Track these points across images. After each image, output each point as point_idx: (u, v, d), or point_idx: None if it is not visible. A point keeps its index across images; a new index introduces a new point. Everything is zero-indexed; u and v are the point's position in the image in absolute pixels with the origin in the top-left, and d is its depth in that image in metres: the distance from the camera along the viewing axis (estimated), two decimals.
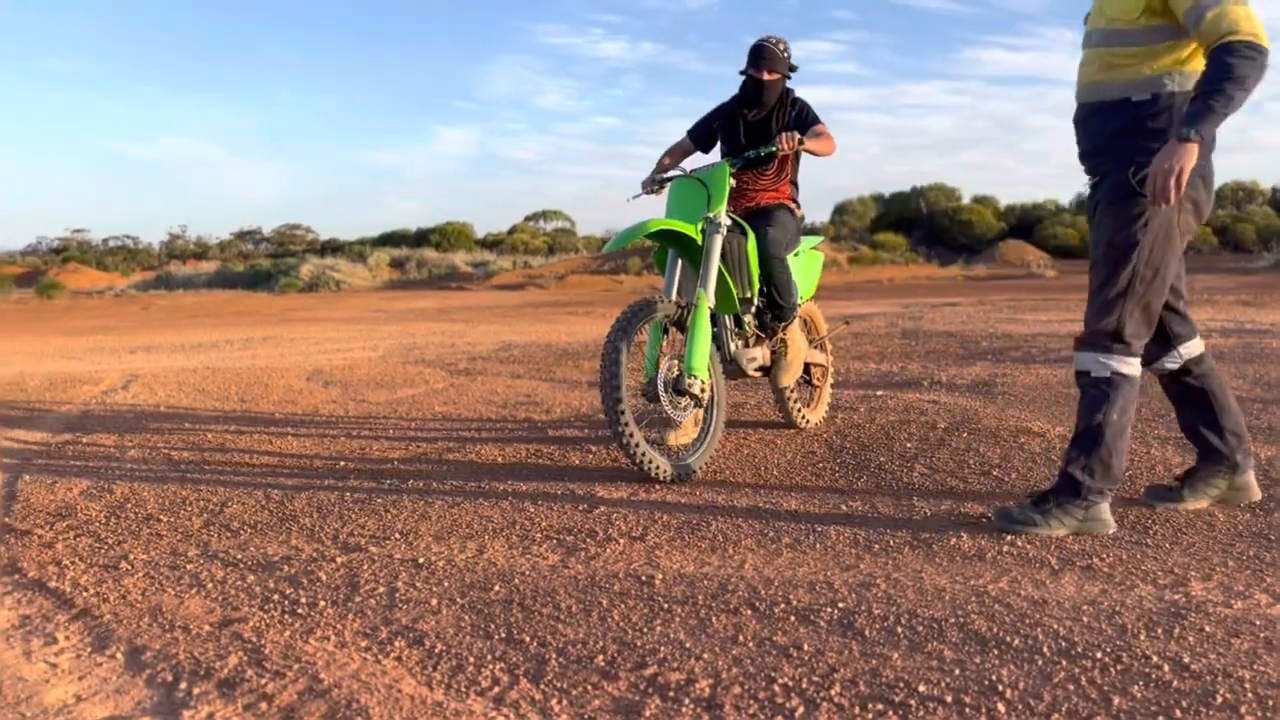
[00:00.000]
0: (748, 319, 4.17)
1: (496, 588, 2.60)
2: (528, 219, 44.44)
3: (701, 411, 3.94)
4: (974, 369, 6.52)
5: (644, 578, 2.64)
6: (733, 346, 4.10)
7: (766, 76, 4.16)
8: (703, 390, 3.69)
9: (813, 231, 5.01)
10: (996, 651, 2.10)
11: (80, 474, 4.10)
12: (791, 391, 4.55)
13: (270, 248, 46.87)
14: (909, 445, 4.20)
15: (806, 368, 4.61)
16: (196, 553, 2.98)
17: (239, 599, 2.57)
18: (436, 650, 2.21)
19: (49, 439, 4.93)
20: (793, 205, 4.35)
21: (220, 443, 4.75)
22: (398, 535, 3.12)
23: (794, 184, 4.37)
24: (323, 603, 2.52)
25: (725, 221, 3.93)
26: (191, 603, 2.55)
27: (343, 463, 4.23)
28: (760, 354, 4.22)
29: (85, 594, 2.62)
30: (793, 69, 4.25)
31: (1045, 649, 2.10)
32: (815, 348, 4.70)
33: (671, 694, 1.95)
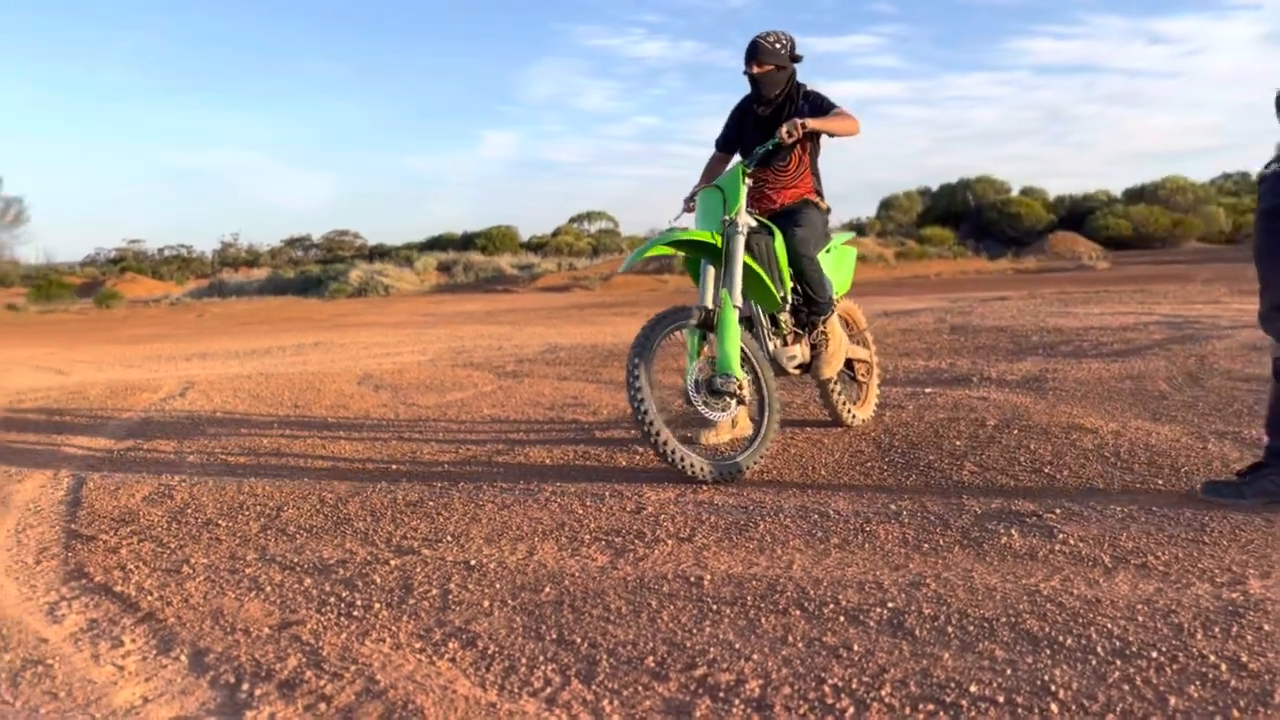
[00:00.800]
0: (783, 318, 4.18)
1: (547, 589, 2.64)
2: (571, 221, 44.60)
3: (743, 412, 3.96)
4: (1024, 364, 6.44)
5: (693, 579, 2.66)
6: (771, 346, 4.13)
7: (756, 70, 4.15)
8: (740, 388, 3.72)
9: (859, 230, 5.01)
10: (1049, 651, 2.09)
11: (142, 480, 4.21)
12: (835, 386, 4.54)
13: (319, 254, 47.54)
14: (958, 443, 4.17)
15: (850, 363, 4.62)
16: (255, 557, 3.05)
17: (297, 602, 2.63)
18: (490, 651, 2.24)
19: (111, 446, 5.06)
20: (817, 199, 4.31)
21: (275, 448, 4.85)
22: (449, 538, 3.17)
23: (815, 175, 4.32)
24: (378, 605, 2.57)
25: (747, 222, 3.93)
26: (251, 606, 2.61)
27: (394, 466, 4.30)
28: (799, 351, 4.22)
29: (149, 598, 2.70)
30: (795, 59, 4.22)
31: (1099, 649, 2.09)
32: (857, 343, 4.69)
33: (721, 695, 1.97)
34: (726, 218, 3.90)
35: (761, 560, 2.81)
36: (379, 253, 41.61)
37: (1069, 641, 2.13)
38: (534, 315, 16.01)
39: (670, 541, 3.03)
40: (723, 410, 3.74)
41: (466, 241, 40.62)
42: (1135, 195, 39.46)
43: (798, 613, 2.38)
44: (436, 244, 41.64)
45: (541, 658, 2.20)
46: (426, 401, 6.24)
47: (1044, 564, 2.66)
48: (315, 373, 8.03)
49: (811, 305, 4.20)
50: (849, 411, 4.62)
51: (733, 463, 3.74)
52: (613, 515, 3.35)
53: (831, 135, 4.16)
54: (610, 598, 2.55)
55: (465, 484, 3.90)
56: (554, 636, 2.31)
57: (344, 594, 2.67)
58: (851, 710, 1.87)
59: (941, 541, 2.91)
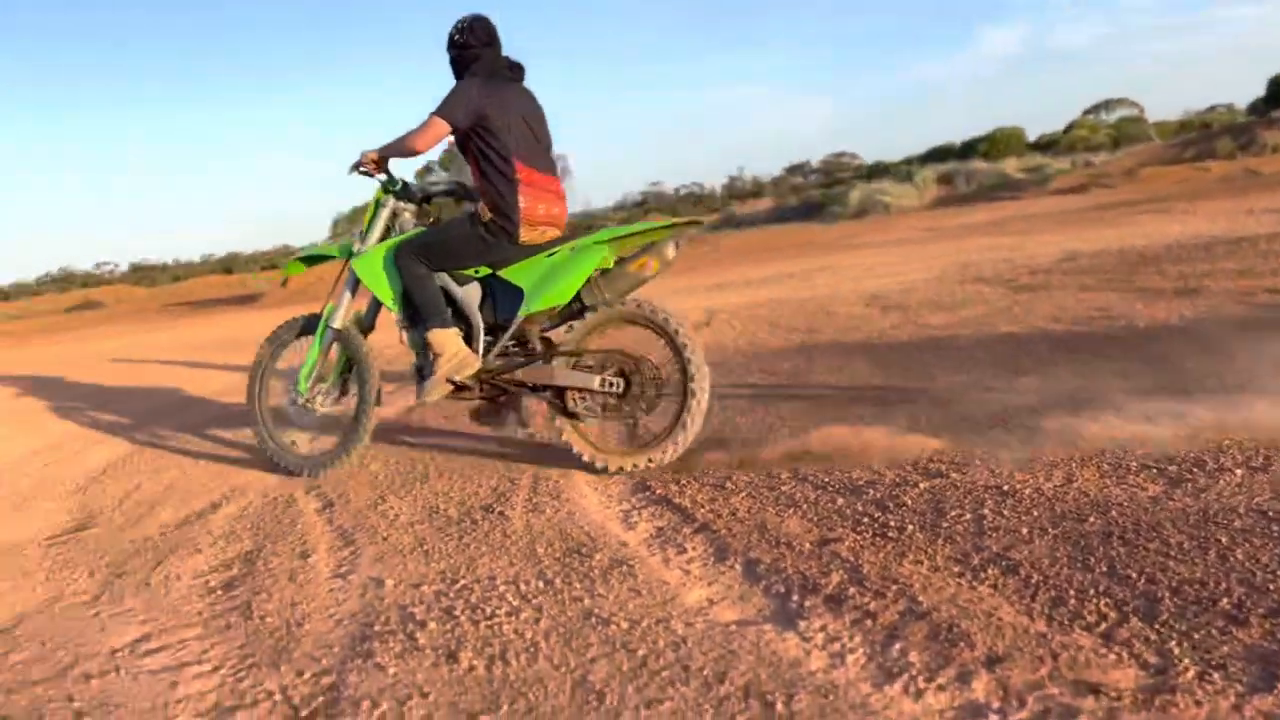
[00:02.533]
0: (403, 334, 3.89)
1: (1091, 519, 2.48)
2: (1086, 113, 40.51)
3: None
4: None
5: (1272, 513, 2.33)
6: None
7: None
8: (305, 403, 4.01)
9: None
10: None
11: None
12: (568, 420, 3.63)
13: (819, 178, 48.47)
14: None
15: (560, 391, 3.62)
16: (789, 475, 3.24)
17: (832, 520, 2.75)
18: (1033, 580, 2.17)
19: None
20: (479, 208, 3.69)
21: (794, 370, 5.08)
22: (977, 462, 3.10)
23: (488, 180, 3.66)
24: (911, 527, 2.60)
25: (361, 248, 3.95)
26: (790, 521, 2.78)
27: (910, 387, 4.29)
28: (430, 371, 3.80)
29: (703, 510, 2.99)
30: (459, 44, 3.73)
31: None
32: (581, 368, 3.61)
33: None
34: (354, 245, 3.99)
35: None
36: (878, 170, 41.37)
37: None
38: (1046, 221, 14.91)
39: (1239, 471, 2.68)
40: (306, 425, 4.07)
41: (967, 149, 38.83)
42: None
43: None
44: (935, 155, 40.32)
45: (1092, 591, 2.08)
46: (937, 320, 6.13)
47: None
48: (825, 296, 8.26)
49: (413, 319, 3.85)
50: (592, 453, 3.58)
51: (309, 458, 4.02)
52: (1163, 441, 3.05)
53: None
54: (1168, 531, 2.33)
55: (980, 408, 3.78)
56: (1104, 569, 2.17)
57: (876, 515, 2.74)
58: None
59: None
